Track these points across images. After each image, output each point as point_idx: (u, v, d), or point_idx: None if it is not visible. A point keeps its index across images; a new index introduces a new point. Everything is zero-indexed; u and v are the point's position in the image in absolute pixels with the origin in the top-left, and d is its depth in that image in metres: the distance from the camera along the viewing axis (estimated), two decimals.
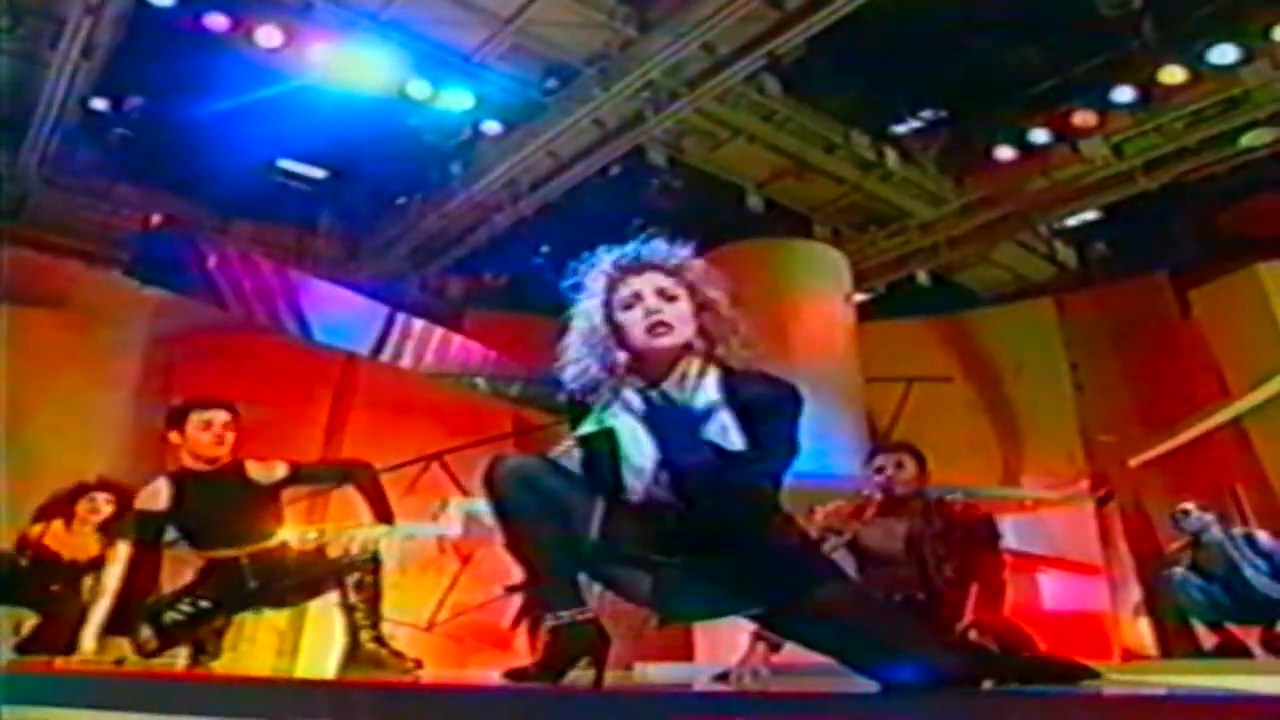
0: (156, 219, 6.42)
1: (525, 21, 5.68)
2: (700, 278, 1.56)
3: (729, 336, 1.54)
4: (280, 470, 2.99)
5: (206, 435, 2.93)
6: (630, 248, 1.59)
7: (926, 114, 6.73)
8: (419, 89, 5.92)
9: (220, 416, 2.95)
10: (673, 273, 1.55)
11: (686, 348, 1.53)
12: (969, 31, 5.79)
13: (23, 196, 6.52)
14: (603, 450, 1.51)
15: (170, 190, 6.95)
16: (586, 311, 1.58)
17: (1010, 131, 6.67)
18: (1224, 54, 5.68)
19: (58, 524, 3.86)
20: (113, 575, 3.86)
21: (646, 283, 1.54)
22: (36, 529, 3.86)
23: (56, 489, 3.99)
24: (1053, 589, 6.59)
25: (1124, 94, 6.11)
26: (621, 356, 1.56)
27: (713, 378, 1.52)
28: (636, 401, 1.52)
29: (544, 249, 7.17)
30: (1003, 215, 7.23)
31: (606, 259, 1.59)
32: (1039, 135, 6.55)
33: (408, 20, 5.67)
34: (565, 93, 6.02)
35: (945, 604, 2.79)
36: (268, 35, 5.44)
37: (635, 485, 1.49)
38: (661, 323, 1.51)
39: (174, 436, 2.98)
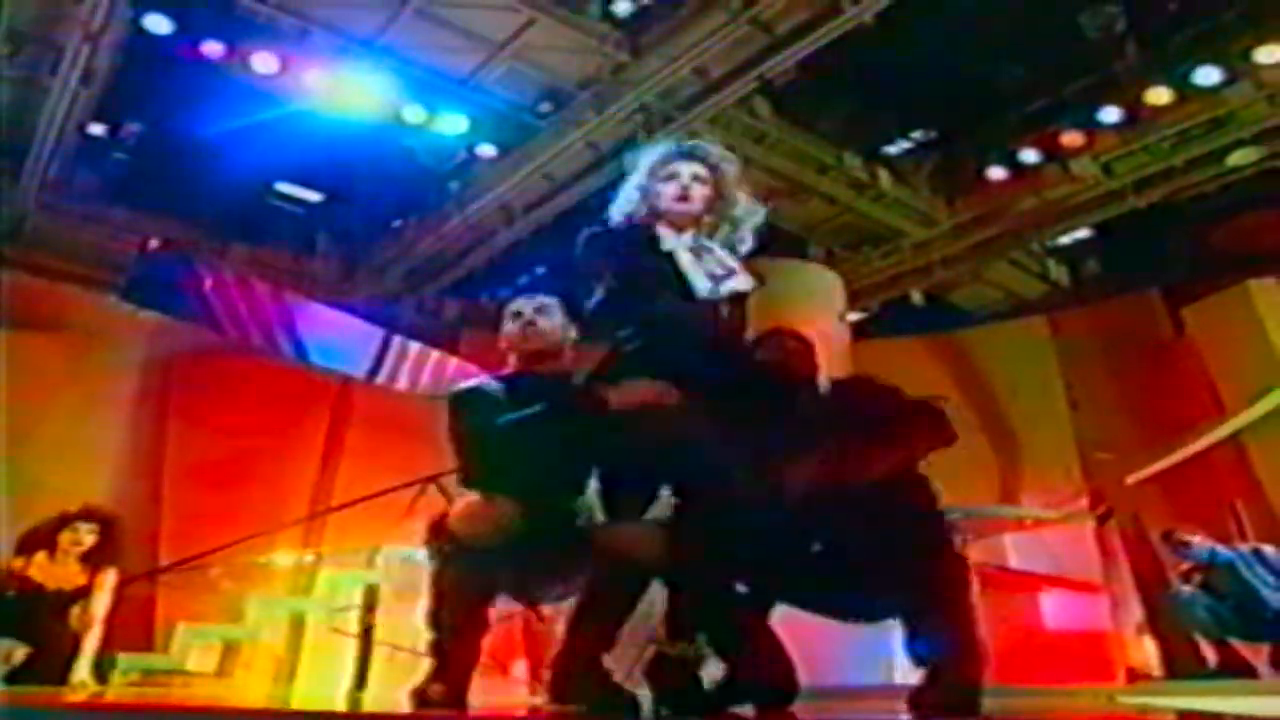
0: (154, 242, 6.42)
1: (519, 47, 5.75)
2: (726, 176, 2.14)
3: (729, 218, 2.14)
4: None
5: (514, 326, 2.26)
6: (685, 143, 2.21)
7: (917, 135, 6.80)
8: (414, 113, 5.98)
9: (527, 306, 2.26)
10: (710, 166, 2.13)
11: (697, 220, 2.11)
12: (957, 54, 5.88)
13: (20, 220, 6.55)
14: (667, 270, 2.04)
15: (167, 213, 6.97)
16: (638, 172, 2.16)
17: (1000, 152, 6.75)
18: (1208, 75, 5.77)
19: (40, 556, 3.84)
20: (100, 604, 3.84)
21: (687, 167, 2.12)
22: (19, 562, 3.83)
23: (44, 517, 3.96)
24: (1054, 608, 6.55)
25: (1111, 114, 6.20)
26: (647, 210, 2.12)
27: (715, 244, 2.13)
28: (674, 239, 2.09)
29: (539, 271, 7.19)
30: (995, 234, 7.28)
31: (666, 146, 2.18)
32: (1029, 155, 6.62)
33: (402, 46, 5.74)
34: (559, 116, 6.07)
35: None
36: (264, 62, 5.50)
37: (704, 287, 2.02)
38: (686, 196, 2.10)
39: (503, 343, 2.34)
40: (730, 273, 2.06)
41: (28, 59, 5.52)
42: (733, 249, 2.13)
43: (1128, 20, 5.76)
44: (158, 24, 5.25)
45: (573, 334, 2.23)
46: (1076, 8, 5.78)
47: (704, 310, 2.02)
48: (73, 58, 5.23)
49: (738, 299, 2.08)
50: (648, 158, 2.16)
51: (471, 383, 2.28)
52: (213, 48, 5.42)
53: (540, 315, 2.25)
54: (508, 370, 2.27)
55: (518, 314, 2.27)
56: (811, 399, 2.09)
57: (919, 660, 1.89)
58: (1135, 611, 6.36)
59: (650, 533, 1.94)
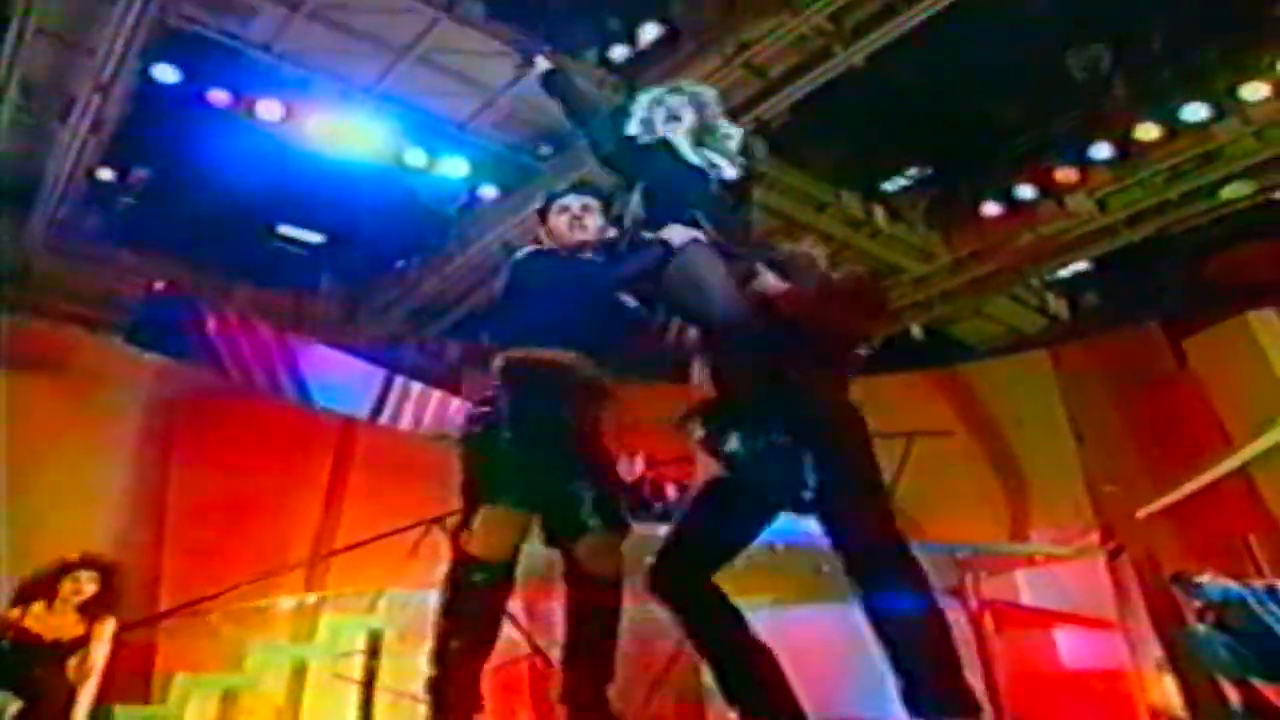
0: (159, 285, 6.47)
1: (518, 91, 5.85)
2: (711, 111, 2.58)
3: (715, 134, 2.55)
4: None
5: (562, 219, 2.41)
6: (676, 84, 2.66)
7: (913, 172, 6.88)
8: (416, 157, 6.07)
9: (575, 203, 2.41)
10: (694, 102, 2.54)
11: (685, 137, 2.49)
12: (949, 93, 5.99)
13: (27, 264, 6.60)
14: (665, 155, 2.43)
15: (173, 256, 7.03)
16: (638, 108, 2.57)
17: (996, 188, 6.83)
18: (1195, 111, 5.88)
19: (38, 606, 3.79)
20: (98, 654, 3.77)
21: (675, 99, 2.55)
22: (15, 612, 3.78)
23: (45, 561, 3.92)
24: (1070, 646, 6.41)
25: (1103, 150, 6.30)
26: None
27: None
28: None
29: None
30: (993, 269, 7.32)
31: (659, 88, 2.62)
32: (1024, 191, 6.70)
33: (403, 92, 5.84)
34: (558, 157, 6.16)
35: None
36: (269, 109, 5.61)
37: (696, 159, 2.47)
38: (677, 118, 2.50)
39: (542, 233, 2.50)
40: (718, 166, 2.44)
41: (39, 107, 5.63)
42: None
43: (1114, 58, 5.88)
44: (166, 73, 5.37)
45: (610, 234, 2.43)
46: (1063, 46, 5.90)
47: (706, 179, 2.38)
48: (83, 107, 5.33)
49: (737, 195, 2.43)
50: (645, 97, 2.58)
51: (533, 249, 2.50)
52: (219, 96, 5.53)
53: (586, 213, 2.44)
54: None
55: (565, 208, 2.46)
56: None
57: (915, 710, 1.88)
58: (1153, 649, 6.24)
59: (610, 546, 2.14)
